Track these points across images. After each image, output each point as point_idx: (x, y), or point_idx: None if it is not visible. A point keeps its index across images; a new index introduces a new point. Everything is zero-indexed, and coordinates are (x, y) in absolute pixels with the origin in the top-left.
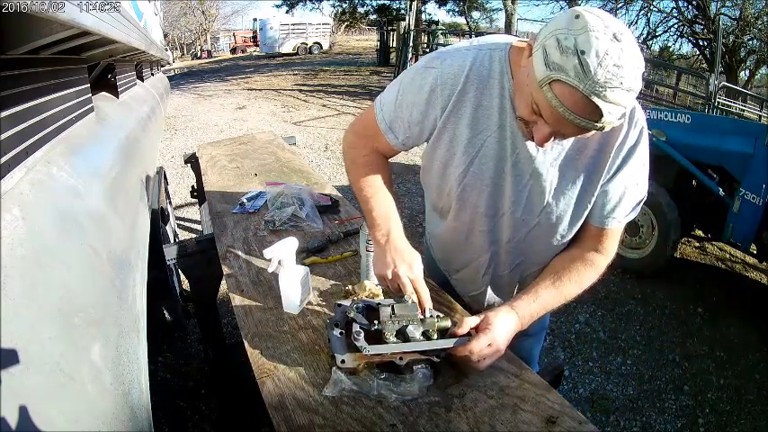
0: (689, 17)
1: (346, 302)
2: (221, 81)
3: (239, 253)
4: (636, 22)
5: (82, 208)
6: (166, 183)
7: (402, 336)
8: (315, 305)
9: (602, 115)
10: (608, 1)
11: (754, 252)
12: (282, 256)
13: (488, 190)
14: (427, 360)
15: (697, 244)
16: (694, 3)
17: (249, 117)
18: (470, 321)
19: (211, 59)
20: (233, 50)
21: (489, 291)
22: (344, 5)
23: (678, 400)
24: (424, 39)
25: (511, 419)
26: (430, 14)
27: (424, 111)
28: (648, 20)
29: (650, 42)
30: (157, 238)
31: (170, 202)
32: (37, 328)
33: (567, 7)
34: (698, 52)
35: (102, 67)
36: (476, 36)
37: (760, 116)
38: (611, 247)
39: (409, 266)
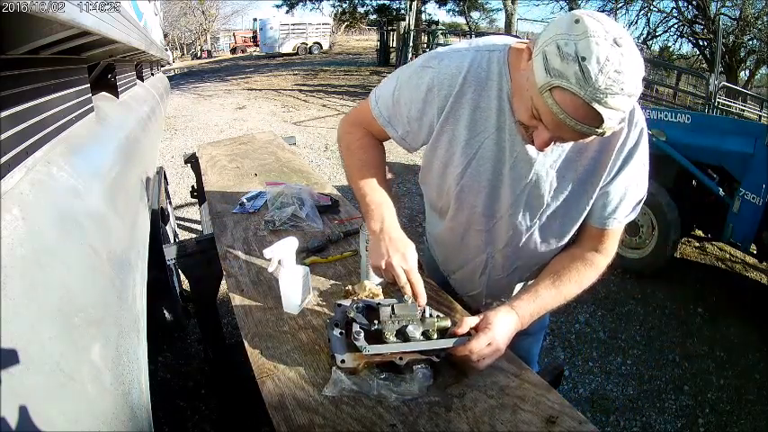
0: (689, 17)
1: (346, 302)
2: (221, 81)
3: (239, 253)
4: (636, 23)
5: (82, 208)
6: (166, 183)
7: (402, 336)
8: (315, 305)
9: (602, 121)
10: (608, 1)
11: (754, 252)
12: (282, 256)
13: (486, 191)
14: (427, 360)
15: (697, 244)
16: (694, 3)
17: (249, 117)
18: (470, 321)
19: (211, 59)
20: (233, 50)
21: (487, 291)
22: (344, 5)
23: (678, 400)
24: (424, 39)
25: (511, 419)
26: (430, 14)
27: (422, 108)
28: (648, 20)
29: (650, 42)
30: (157, 238)
31: (170, 202)
32: (37, 328)
33: (567, 7)
34: (698, 52)
35: (102, 67)
36: (476, 36)
37: (760, 116)
38: (611, 247)
39: (403, 256)
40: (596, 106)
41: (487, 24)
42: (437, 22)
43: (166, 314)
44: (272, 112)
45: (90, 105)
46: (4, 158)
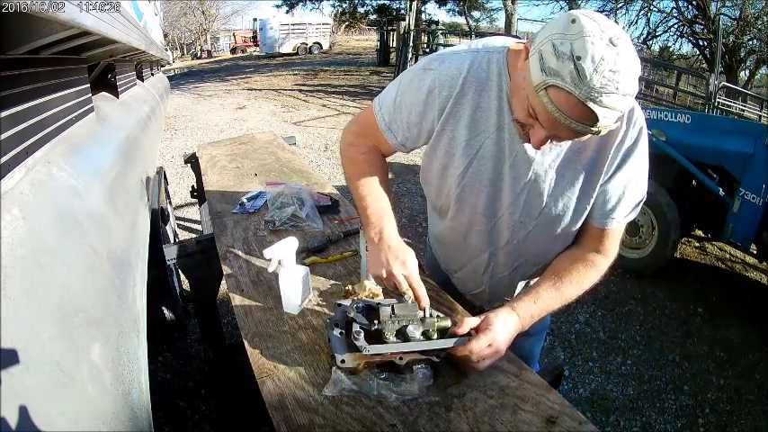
0: (689, 17)
1: (346, 302)
2: (221, 81)
3: (239, 253)
4: (636, 23)
5: (82, 208)
6: (166, 183)
7: (402, 336)
8: (315, 305)
9: (597, 120)
10: (608, 1)
11: (754, 252)
12: (282, 256)
13: (487, 191)
14: (427, 360)
15: (697, 244)
16: (694, 3)
17: (249, 117)
18: (471, 321)
19: (211, 59)
20: (233, 50)
21: (490, 289)
22: (344, 5)
23: (678, 400)
24: (424, 39)
25: (511, 419)
26: (430, 14)
27: (422, 112)
28: (648, 20)
29: (650, 42)
30: (157, 238)
31: (170, 202)
32: (37, 328)
33: (566, 7)
34: (698, 52)
35: (102, 67)
36: (476, 36)
37: (760, 116)
38: (611, 247)
39: (402, 263)
40: (591, 105)
41: (487, 24)
42: (437, 22)
43: (166, 314)
44: (272, 112)
45: (90, 105)
46: (4, 158)
